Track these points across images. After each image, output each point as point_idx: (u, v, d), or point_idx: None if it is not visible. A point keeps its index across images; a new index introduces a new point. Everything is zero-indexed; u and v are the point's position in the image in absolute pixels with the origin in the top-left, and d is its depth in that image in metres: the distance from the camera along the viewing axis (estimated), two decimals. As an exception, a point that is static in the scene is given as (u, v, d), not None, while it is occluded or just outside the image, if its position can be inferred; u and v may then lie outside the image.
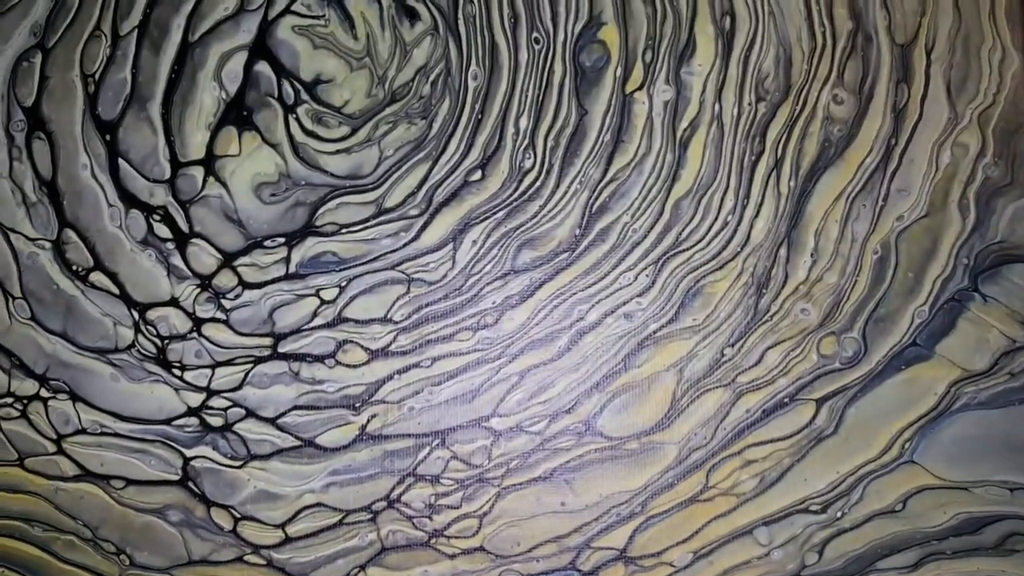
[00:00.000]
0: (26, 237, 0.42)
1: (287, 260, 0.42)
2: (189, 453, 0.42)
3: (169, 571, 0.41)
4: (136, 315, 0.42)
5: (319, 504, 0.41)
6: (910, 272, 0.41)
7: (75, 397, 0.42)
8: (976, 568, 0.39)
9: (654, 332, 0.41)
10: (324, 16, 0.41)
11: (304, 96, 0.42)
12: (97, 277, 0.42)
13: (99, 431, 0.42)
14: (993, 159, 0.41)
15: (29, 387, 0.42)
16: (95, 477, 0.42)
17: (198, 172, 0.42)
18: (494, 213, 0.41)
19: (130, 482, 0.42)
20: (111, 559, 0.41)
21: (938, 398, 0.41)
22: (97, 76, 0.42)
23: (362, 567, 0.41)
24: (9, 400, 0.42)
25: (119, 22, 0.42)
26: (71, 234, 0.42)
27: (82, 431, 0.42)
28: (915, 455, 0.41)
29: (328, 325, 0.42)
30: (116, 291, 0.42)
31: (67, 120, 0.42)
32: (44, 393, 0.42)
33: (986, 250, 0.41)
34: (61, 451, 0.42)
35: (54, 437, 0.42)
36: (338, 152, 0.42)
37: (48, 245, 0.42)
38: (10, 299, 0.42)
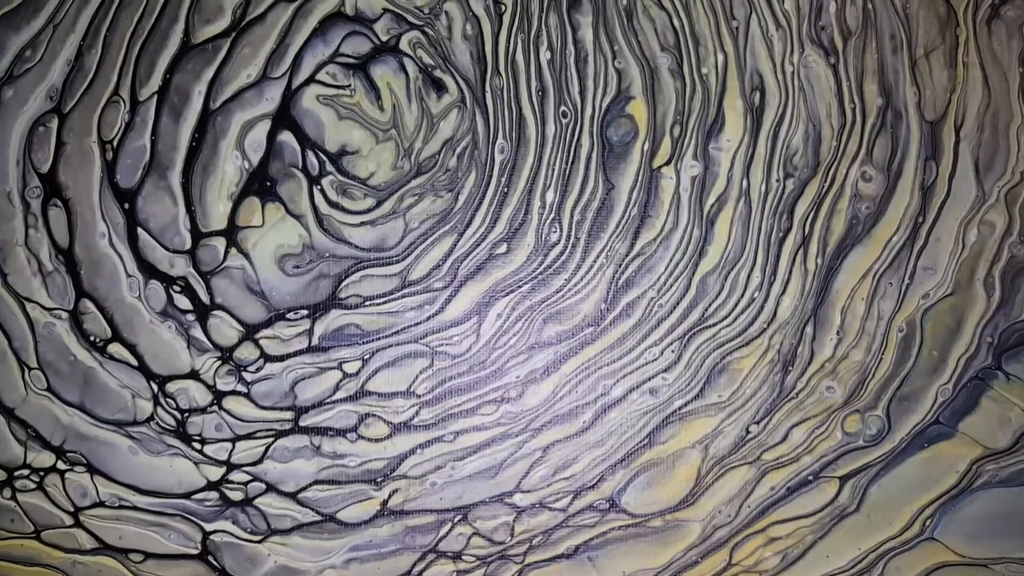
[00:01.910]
0: (42, 307, 0.43)
1: (310, 333, 0.42)
2: (209, 527, 0.43)
3: None
4: (155, 387, 0.43)
5: None
6: (935, 350, 0.42)
7: (93, 470, 0.43)
8: None
9: (679, 408, 0.42)
10: (350, 86, 0.42)
11: (329, 167, 0.43)
12: (115, 348, 0.43)
13: (117, 504, 0.42)
14: (1019, 237, 0.43)
15: (46, 459, 0.42)
16: (113, 550, 0.43)
17: (220, 243, 0.43)
18: (519, 287, 0.42)
19: (149, 556, 0.43)
20: None
21: (959, 476, 0.42)
22: (115, 143, 0.43)
23: None
24: (25, 472, 0.42)
25: (138, 87, 0.43)
26: (89, 304, 0.43)
27: (100, 504, 0.42)
28: (936, 532, 0.42)
29: (350, 399, 0.42)
30: (135, 363, 0.43)
31: (84, 187, 0.43)
32: (61, 465, 0.42)
33: (1010, 328, 0.42)
34: (78, 524, 0.42)
35: (71, 510, 0.42)
36: (363, 224, 0.43)
37: (65, 315, 0.43)
38: (26, 370, 0.43)
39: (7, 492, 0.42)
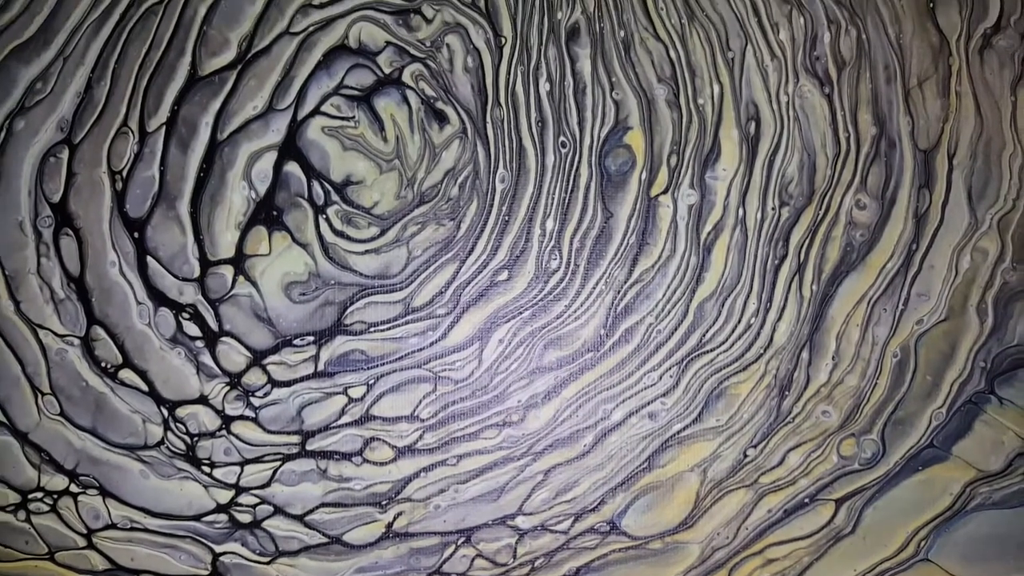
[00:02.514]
0: (55, 333, 0.43)
1: (316, 359, 0.43)
2: (218, 549, 0.43)
3: None
4: (165, 412, 0.43)
5: None
6: (928, 375, 0.43)
7: (105, 493, 0.43)
8: None
9: (678, 432, 0.43)
10: (354, 117, 0.43)
11: (334, 197, 0.43)
12: (126, 374, 0.43)
13: (129, 526, 0.43)
14: (1012, 264, 0.43)
15: (59, 482, 0.43)
16: (126, 572, 0.43)
17: (228, 271, 0.43)
18: (520, 313, 0.43)
19: None
20: None
21: (953, 498, 0.43)
22: (125, 173, 0.43)
23: None
24: (39, 495, 0.43)
25: (146, 119, 0.43)
26: (100, 331, 0.43)
27: (112, 526, 0.43)
28: (930, 554, 0.43)
29: (356, 423, 0.43)
30: (145, 388, 0.43)
31: (95, 217, 0.43)
32: (74, 488, 0.43)
33: (1003, 353, 0.43)
34: (91, 546, 0.43)
35: (84, 532, 0.43)
36: (367, 252, 0.43)
37: (77, 342, 0.43)
38: (39, 395, 0.43)
39: (21, 515, 0.43)
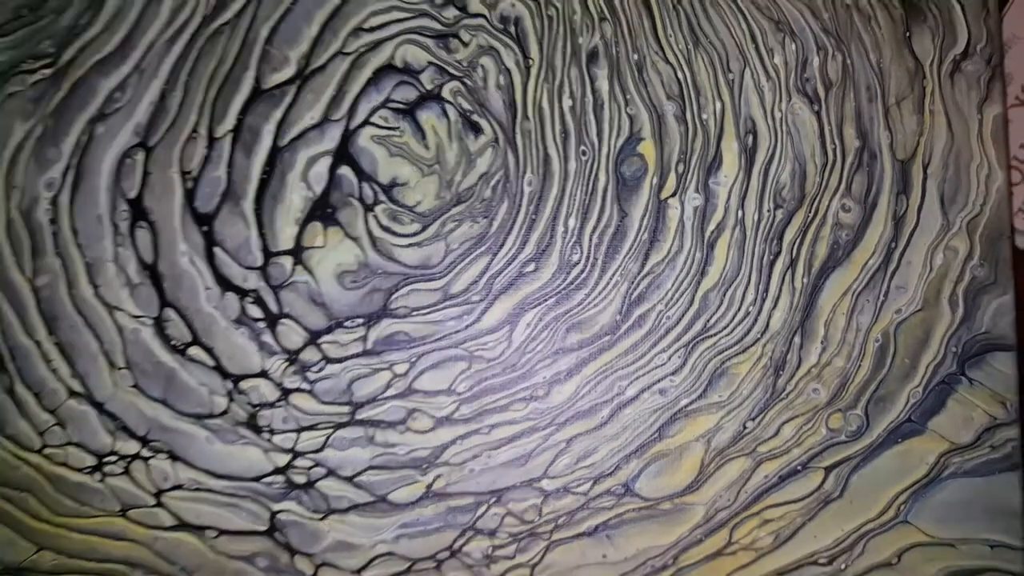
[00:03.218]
0: (129, 314, 0.46)
1: (365, 339, 0.46)
2: (276, 507, 0.46)
3: None
4: (230, 385, 0.46)
5: (390, 553, 0.45)
6: (906, 358, 0.46)
7: (173, 457, 0.46)
8: None
9: (685, 407, 0.46)
10: (399, 128, 0.47)
11: (381, 197, 0.47)
12: (195, 351, 0.46)
13: (195, 487, 0.46)
14: (980, 261, 0.47)
15: (132, 447, 0.46)
16: (191, 527, 0.46)
17: (287, 261, 0.46)
18: (545, 300, 0.46)
19: (223, 532, 0.46)
20: None
21: (929, 467, 0.46)
22: (195, 173, 0.46)
23: None
24: (113, 458, 0.46)
25: (215, 125, 0.46)
26: (171, 313, 0.46)
27: (179, 487, 0.46)
28: (908, 516, 0.46)
29: (399, 396, 0.46)
30: (212, 363, 0.46)
31: (167, 212, 0.46)
32: (145, 453, 0.46)
33: (972, 340, 0.46)
34: (160, 504, 0.46)
35: (154, 492, 0.45)
36: (410, 245, 0.47)
37: (150, 322, 0.46)
38: (115, 369, 0.46)
39: (97, 476, 0.46)
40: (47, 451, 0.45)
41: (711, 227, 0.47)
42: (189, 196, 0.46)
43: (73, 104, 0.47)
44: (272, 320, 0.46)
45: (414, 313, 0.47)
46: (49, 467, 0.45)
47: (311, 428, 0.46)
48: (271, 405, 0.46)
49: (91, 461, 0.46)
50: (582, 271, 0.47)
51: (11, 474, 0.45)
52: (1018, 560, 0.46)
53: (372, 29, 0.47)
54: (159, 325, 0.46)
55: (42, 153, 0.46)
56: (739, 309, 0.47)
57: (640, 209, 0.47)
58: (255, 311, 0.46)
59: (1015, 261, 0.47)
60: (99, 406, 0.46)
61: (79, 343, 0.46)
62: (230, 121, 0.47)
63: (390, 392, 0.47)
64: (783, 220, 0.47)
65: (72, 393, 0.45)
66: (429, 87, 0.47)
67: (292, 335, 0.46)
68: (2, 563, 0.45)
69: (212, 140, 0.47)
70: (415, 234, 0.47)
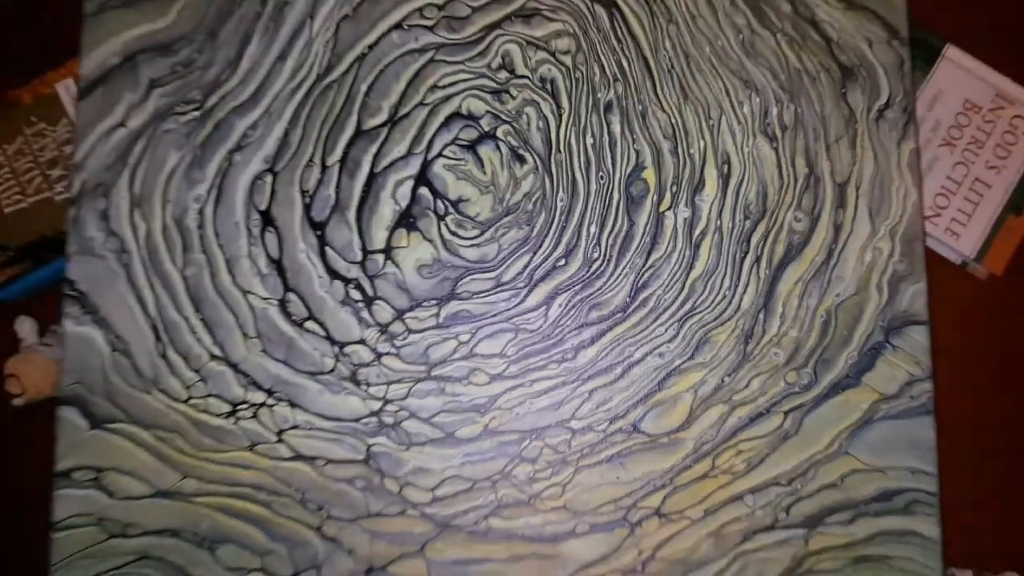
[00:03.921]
0: (259, 297, 0.51)
1: (437, 315, 0.51)
2: (370, 441, 0.50)
3: (355, 521, 0.49)
4: (336, 350, 0.50)
5: (456, 476, 0.50)
6: (845, 330, 0.51)
7: (292, 404, 0.50)
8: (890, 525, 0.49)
9: (678, 366, 0.50)
10: (464, 159, 0.52)
11: (451, 210, 0.52)
12: (310, 324, 0.51)
13: (308, 427, 0.50)
14: (899, 258, 0.51)
15: (259, 397, 0.50)
16: (305, 459, 0.49)
17: (380, 257, 0.51)
18: (573, 286, 0.51)
19: (329, 461, 0.49)
20: (314, 513, 0.49)
21: (863, 412, 0.50)
22: (311, 192, 0.52)
23: (486, 517, 0.50)
24: (245, 406, 0.50)
25: (326, 156, 0.52)
26: (292, 296, 0.51)
27: (296, 427, 0.50)
28: (848, 449, 0.50)
29: (463, 358, 0.50)
30: (323, 334, 0.51)
31: (289, 220, 0.52)
32: (270, 402, 0.50)
33: (895, 316, 0.51)
34: (281, 440, 0.50)
35: (276, 431, 0.50)
36: (472, 246, 0.52)
37: (275, 303, 0.51)
38: (247, 338, 0.51)
39: (232, 420, 0.50)
40: (192, 401, 0.50)
41: (697, 232, 0.51)
42: (307, 208, 0.52)
43: (215, 138, 0.52)
44: (368, 301, 0.51)
45: (474, 296, 0.51)
46: (194, 414, 0.50)
47: (397, 382, 0.50)
48: (367, 365, 0.50)
49: (227, 408, 0.50)
50: (600, 265, 0.51)
51: (163, 419, 0.50)
52: (932, 482, 0.50)
53: (444, 86, 0.53)
54: (282, 305, 0.51)
55: (191, 175, 0.52)
56: (718, 293, 0.51)
57: (644, 219, 0.52)
58: (356, 294, 0.51)
59: (926, 258, 0.52)
60: (234, 366, 0.50)
61: (219, 319, 0.51)
62: (338, 153, 0.52)
63: (456, 355, 0.50)
64: (750, 227, 0.51)
65: (213, 356, 0.51)
66: (486, 129, 0.52)
67: (383, 312, 0.51)
68: (156, 488, 0.50)
69: (324, 167, 0.52)
70: (475, 237, 0.52)
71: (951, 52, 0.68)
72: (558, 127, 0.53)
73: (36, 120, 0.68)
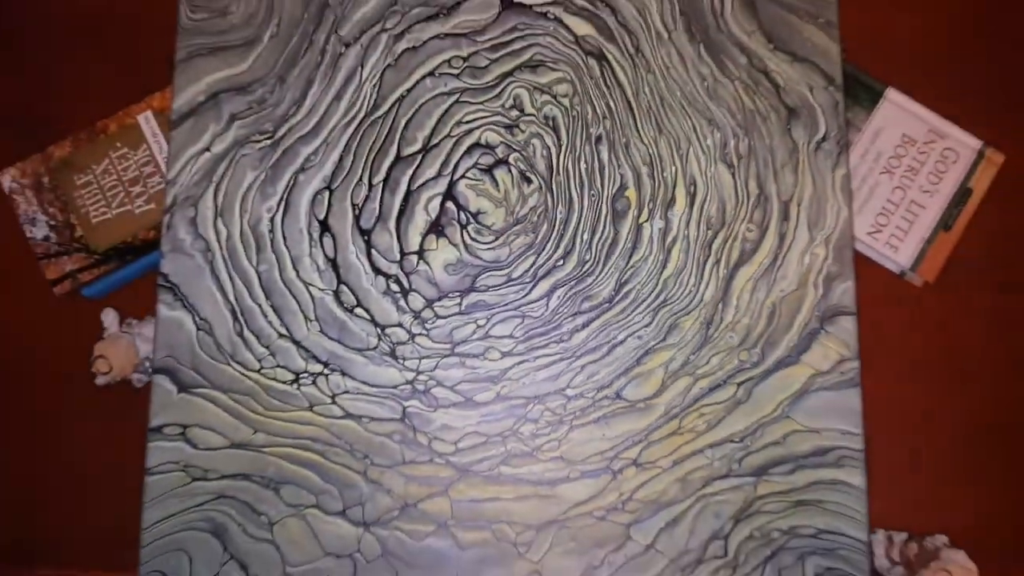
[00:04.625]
0: (318, 288, 0.58)
1: (460, 304, 0.57)
2: (405, 404, 0.56)
3: (392, 467, 0.56)
4: (379, 331, 0.57)
5: (474, 432, 0.56)
6: (787, 319, 0.58)
7: (344, 374, 0.57)
8: (821, 476, 0.57)
9: (653, 346, 0.56)
10: (482, 180, 0.59)
11: (471, 220, 0.58)
12: (358, 311, 0.58)
13: (357, 392, 0.56)
14: (832, 261, 0.58)
15: (317, 368, 0.56)
16: (353, 417, 0.56)
17: (414, 258, 0.58)
18: (569, 282, 0.58)
19: (373, 419, 0.56)
20: (359, 461, 0.56)
21: (802, 384, 0.57)
22: (360, 205, 0.59)
23: (497, 465, 0.56)
24: (306, 375, 0.56)
25: (373, 177, 0.59)
26: (344, 288, 0.58)
27: (347, 392, 0.56)
28: (789, 414, 0.57)
29: (480, 338, 0.57)
30: (368, 318, 0.57)
31: (343, 227, 0.59)
32: (326, 372, 0.56)
33: (828, 308, 0.57)
34: (334, 402, 0.56)
35: (330, 394, 0.56)
36: (488, 249, 0.58)
37: (331, 292, 0.58)
38: (308, 320, 0.57)
39: (295, 385, 0.56)
40: (262, 371, 0.57)
41: (668, 240, 0.58)
42: (356, 218, 0.59)
43: (283, 162, 0.59)
44: (405, 292, 0.58)
45: (489, 289, 0.58)
46: (264, 381, 0.57)
47: (427, 357, 0.57)
48: (404, 343, 0.57)
49: (291, 377, 0.56)
50: (591, 265, 0.58)
51: (239, 385, 0.56)
52: (858, 441, 0.56)
53: (467, 122, 0.60)
54: (336, 295, 0.58)
55: (264, 190, 0.59)
56: (685, 288, 0.58)
57: (626, 229, 0.58)
58: (395, 287, 0.58)
59: (855, 261, 0.58)
60: (297, 343, 0.57)
61: (285, 305, 0.58)
62: (382, 175, 0.59)
63: (475, 336, 0.57)
64: (712, 236, 0.58)
65: (280, 335, 0.57)
66: (501, 156, 0.59)
67: (417, 301, 0.58)
68: (231, 440, 0.56)
69: (371, 186, 0.59)
70: (491, 242, 0.58)
71: (891, 94, 0.79)
72: (558, 155, 0.60)
73: (120, 146, 0.80)
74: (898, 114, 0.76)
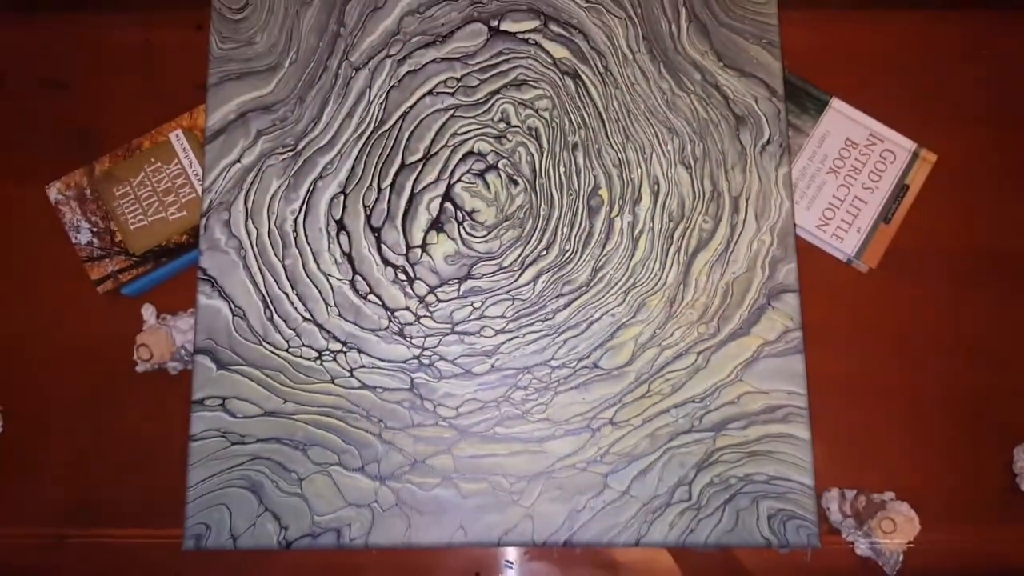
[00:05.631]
0: (336, 278, 0.64)
1: (459, 289, 0.64)
2: (413, 375, 0.62)
3: (403, 429, 0.61)
4: (389, 314, 0.63)
5: (473, 399, 0.62)
6: (739, 297, 0.64)
7: (360, 351, 0.63)
8: (770, 431, 0.66)
9: (626, 322, 0.63)
10: (475, 183, 0.66)
11: (466, 218, 0.65)
12: (371, 297, 0.64)
13: (371, 366, 0.62)
14: (777, 246, 0.65)
15: (337, 346, 0.63)
16: (368, 387, 0.62)
17: (418, 251, 0.65)
18: (552, 268, 0.64)
19: (386, 389, 0.62)
20: (375, 424, 0.62)
21: (753, 352, 0.63)
22: (371, 206, 0.66)
23: (493, 426, 0.62)
24: (327, 352, 0.63)
25: (381, 182, 0.66)
26: (359, 278, 0.64)
27: (363, 367, 0.62)
28: (743, 377, 0.63)
29: (477, 319, 0.63)
30: (380, 303, 0.63)
31: (356, 226, 0.65)
32: (344, 350, 0.62)
33: (774, 287, 0.64)
34: (352, 375, 0.62)
35: (348, 369, 0.62)
36: (482, 242, 0.65)
37: (347, 282, 0.64)
38: (328, 307, 0.63)
39: (318, 362, 0.62)
40: (290, 350, 0.63)
41: (636, 231, 0.65)
42: (368, 218, 0.65)
43: (304, 171, 0.66)
44: (411, 280, 0.65)
45: (483, 276, 0.65)
46: (291, 358, 0.63)
47: (431, 335, 0.64)
48: (410, 324, 0.64)
49: (315, 354, 0.63)
50: (570, 254, 0.65)
51: (270, 362, 0.63)
52: (803, 400, 0.62)
53: (462, 134, 0.67)
54: (352, 284, 0.64)
55: (288, 195, 0.66)
56: (651, 273, 0.65)
57: (600, 222, 0.65)
58: (402, 276, 0.65)
59: (796, 245, 0.65)
60: (319, 325, 0.64)
61: (308, 293, 0.64)
62: (388, 180, 0.66)
63: (472, 317, 0.64)
64: (673, 227, 0.65)
65: (304, 319, 0.64)
66: (491, 162, 0.66)
67: (421, 288, 0.65)
68: (264, 409, 0.62)
69: (380, 189, 0.66)
70: (484, 236, 0.66)
71: (836, 103, 0.89)
72: (540, 160, 0.67)
73: (154, 160, 0.90)
74: (842, 121, 0.84)
